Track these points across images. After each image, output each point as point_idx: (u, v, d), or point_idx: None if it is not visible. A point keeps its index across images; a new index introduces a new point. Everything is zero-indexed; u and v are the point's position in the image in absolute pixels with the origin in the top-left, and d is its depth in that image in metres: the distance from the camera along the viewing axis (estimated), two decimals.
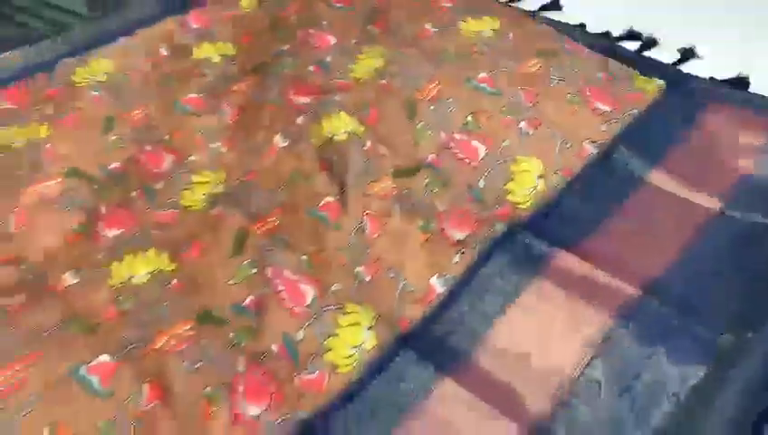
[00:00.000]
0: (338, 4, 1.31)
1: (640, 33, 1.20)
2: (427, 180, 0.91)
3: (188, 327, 0.74)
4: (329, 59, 1.15)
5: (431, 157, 0.94)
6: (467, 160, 0.93)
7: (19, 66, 1.16)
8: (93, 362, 0.70)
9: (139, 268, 0.81)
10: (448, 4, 1.26)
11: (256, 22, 1.31)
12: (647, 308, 0.73)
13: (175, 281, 0.80)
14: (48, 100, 1.08)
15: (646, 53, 1.16)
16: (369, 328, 0.73)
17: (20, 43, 1.25)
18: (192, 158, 0.99)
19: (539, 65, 1.07)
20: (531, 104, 0.99)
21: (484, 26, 1.18)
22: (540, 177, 0.90)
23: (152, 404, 0.67)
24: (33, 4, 1.45)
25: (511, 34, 1.16)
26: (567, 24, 1.24)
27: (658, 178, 0.89)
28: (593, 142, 0.94)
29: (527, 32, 1.17)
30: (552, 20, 1.26)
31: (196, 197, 0.92)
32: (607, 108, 0.99)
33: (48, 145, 0.99)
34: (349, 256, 0.81)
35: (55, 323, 0.75)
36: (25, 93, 1.10)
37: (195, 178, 0.95)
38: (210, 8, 1.33)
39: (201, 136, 1.03)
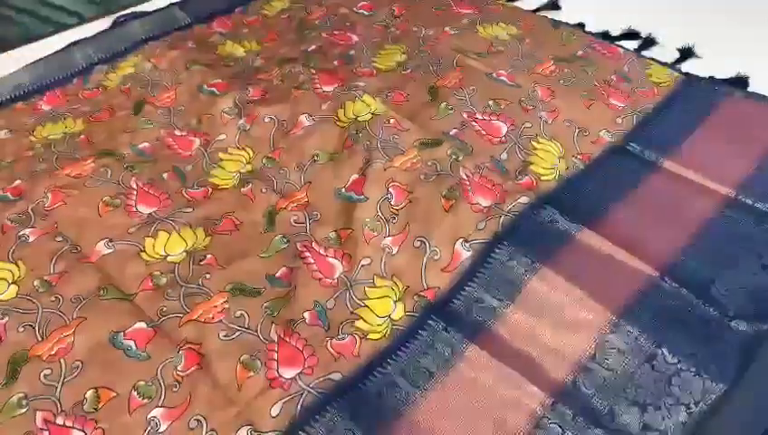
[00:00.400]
0: (361, 10, 1.37)
1: (639, 33, 1.22)
2: (450, 150, 0.94)
3: (223, 300, 0.76)
4: (352, 53, 1.20)
5: (454, 131, 0.98)
6: (489, 137, 0.97)
7: (55, 74, 1.22)
8: (130, 329, 0.73)
9: (175, 247, 0.83)
10: (467, 11, 1.32)
11: (281, 24, 1.37)
12: (664, 289, 0.75)
13: (209, 256, 0.82)
14: (84, 100, 1.15)
15: (645, 53, 1.18)
16: (398, 300, 0.75)
17: (20, 42, 1.29)
18: (221, 137, 1.02)
19: (554, 68, 1.12)
20: (548, 99, 1.04)
21: (501, 31, 1.24)
22: (560, 158, 0.93)
23: (190, 369, 0.69)
24: (32, 5, 1.46)
25: (527, 39, 1.21)
26: (566, 24, 1.26)
27: (673, 165, 0.91)
28: (609, 132, 0.98)
29: (543, 37, 1.22)
30: (552, 20, 1.28)
31: (227, 175, 0.95)
32: (621, 104, 1.03)
33: (82, 136, 1.05)
34: (375, 229, 0.83)
35: (93, 292, 0.77)
36: (62, 97, 1.17)
37: (224, 157, 0.98)
38: (234, 16, 1.40)
39: (227, 115, 1.06)
